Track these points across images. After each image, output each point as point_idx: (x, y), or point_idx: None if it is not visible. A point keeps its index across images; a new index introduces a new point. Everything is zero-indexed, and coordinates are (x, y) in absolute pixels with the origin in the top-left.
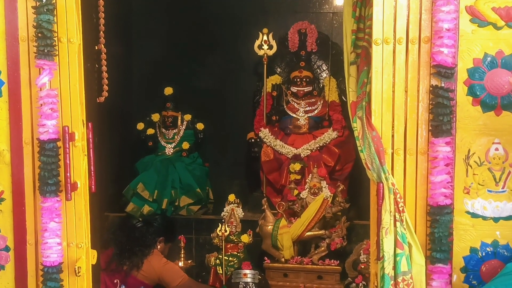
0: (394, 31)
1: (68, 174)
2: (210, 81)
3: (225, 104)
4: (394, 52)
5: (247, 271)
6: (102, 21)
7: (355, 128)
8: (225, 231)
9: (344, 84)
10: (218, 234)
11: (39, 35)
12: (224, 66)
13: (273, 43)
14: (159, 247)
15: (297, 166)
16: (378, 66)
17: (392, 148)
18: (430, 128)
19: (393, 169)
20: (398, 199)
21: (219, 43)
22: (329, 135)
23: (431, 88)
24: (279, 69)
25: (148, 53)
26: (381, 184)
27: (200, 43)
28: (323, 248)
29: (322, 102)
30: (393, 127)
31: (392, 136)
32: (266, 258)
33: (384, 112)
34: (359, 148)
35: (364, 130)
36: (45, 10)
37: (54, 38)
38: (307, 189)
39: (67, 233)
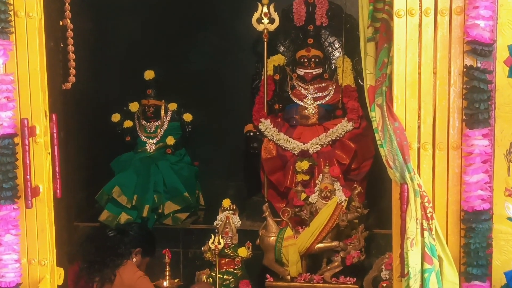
0: (420, 1)
1: (28, 176)
2: (199, 62)
3: (218, 91)
4: (420, 26)
5: None
6: None
7: (374, 118)
8: (219, 243)
9: (360, 65)
10: (210, 247)
11: None
12: (216, 44)
13: (275, 16)
14: (135, 259)
15: (304, 165)
16: (401, 43)
17: (418, 142)
18: (463, 117)
19: (420, 168)
20: (426, 204)
21: (210, 17)
22: (343, 126)
23: (464, 69)
24: (282, 48)
25: (125, 30)
26: (405, 186)
27: (187, 17)
28: (336, 263)
29: (334, 87)
30: (419, 116)
31: (418, 127)
32: (268, 275)
33: (408, 99)
34: (378, 143)
35: (385, 120)
36: None
37: (10, 12)
38: (317, 192)
39: (27, 248)
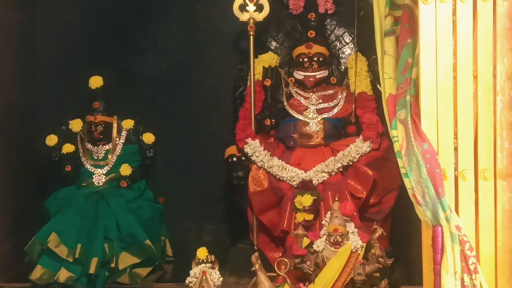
0: None
1: None
2: (162, 65)
3: (189, 102)
4: (454, 15)
5: None
6: None
7: (395, 139)
8: None
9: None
10: None
11: None
12: (185, 41)
13: (264, 0)
14: None
15: (307, 200)
16: (430, 37)
17: (456, 170)
18: None
19: (458, 204)
20: (468, 252)
21: (175, 4)
22: (358, 148)
23: None
24: (274, 43)
25: (62, 23)
26: (439, 229)
27: (144, 4)
28: None
29: (345, 95)
30: (456, 135)
31: (455, 149)
32: None
33: (441, 112)
34: (402, 171)
35: (410, 141)
36: None
37: None
38: (324, 237)
39: None
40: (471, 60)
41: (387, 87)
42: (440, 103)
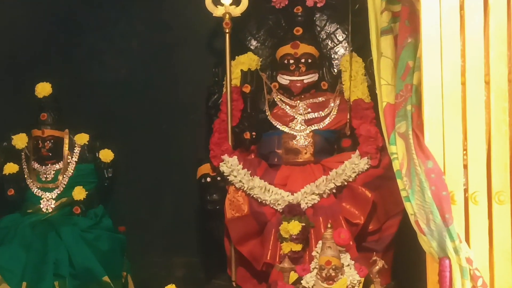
0: None
1: None
2: (124, 69)
3: (153, 113)
4: (462, 9)
5: None
6: None
7: (394, 156)
8: None
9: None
10: None
11: None
12: (150, 40)
13: None
14: None
15: (294, 227)
16: (434, 36)
17: (466, 192)
18: None
19: (469, 232)
20: None
21: None
22: (354, 165)
23: None
24: (254, 42)
25: (5, 21)
26: (447, 261)
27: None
28: None
29: (338, 102)
30: (465, 151)
31: (465, 167)
32: None
33: (447, 124)
34: (402, 194)
35: (411, 158)
36: None
37: None
38: (315, 271)
39: None
40: (482, 63)
41: (385, 95)
42: (447, 113)
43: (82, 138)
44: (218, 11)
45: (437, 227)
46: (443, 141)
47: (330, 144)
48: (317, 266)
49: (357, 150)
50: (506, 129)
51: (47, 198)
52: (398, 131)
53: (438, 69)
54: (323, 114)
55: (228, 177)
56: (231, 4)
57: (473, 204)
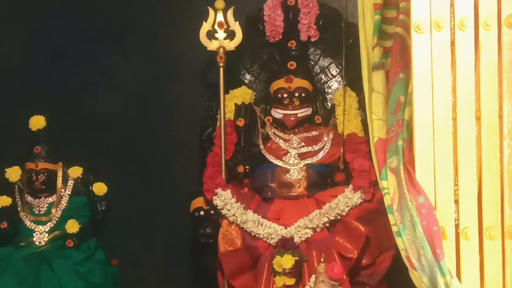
0: (452, 7)
1: None
2: (115, 102)
3: (146, 146)
4: (453, 45)
5: None
6: None
7: (386, 191)
8: None
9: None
10: None
11: None
12: (144, 73)
13: (236, 27)
14: None
15: (287, 261)
16: (425, 71)
17: (457, 227)
18: None
19: (460, 267)
20: None
21: (134, 32)
22: (348, 199)
23: None
24: (248, 76)
25: None
26: None
27: (98, 33)
28: None
29: (331, 136)
30: (456, 186)
31: (456, 203)
32: None
33: (438, 159)
34: (394, 229)
35: (402, 193)
36: None
37: None
38: None
39: None
40: (473, 98)
41: (376, 130)
42: (438, 148)
43: (76, 171)
44: (212, 45)
45: (428, 262)
46: (434, 177)
47: (323, 178)
48: None
49: (350, 184)
50: (497, 164)
51: (40, 231)
52: (389, 166)
53: (429, 104)
54: (316, 148)
55: (221, 211)
56: (225, 38)
57: (464, 239)
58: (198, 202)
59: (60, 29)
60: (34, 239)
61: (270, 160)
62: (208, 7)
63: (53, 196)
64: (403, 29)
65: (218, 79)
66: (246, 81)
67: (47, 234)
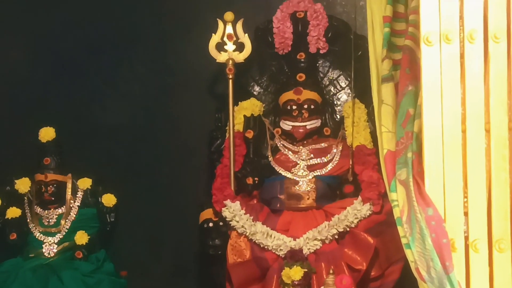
0: (461, 20)
1: None
2: (126, 113)
3: (157, 157)
4: (462, 58)
5: None
6: None
7: (395, 203)
8: None
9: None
10: None
11: None
12: (153, 84)
13: (245, 39)
14: None
15: (296, 273)
16: (434, 84)
17: (467, 240)
18: None
19: (469, 280)
20: None
21: (143, 43)
22: (357, 211)
23: None
24: (257, 88)
25: (7, 65)
26: None
27: (106, 44)
28: None
29: (340, 148)
30: (465, 199)
31: (465, 215)
32: None
33: (448, 171)
34: (403, 241)
35: (412, 205)
36: None
37: None
38: None
39: None
40: (483, 111)
41: (385, 142)
42: (447, 161)
43: (85, 183)
44: (221, 57)
45: (438, 274)
46: (444, 189)
47: (332, 190)
48: None
49: (359, 196)
50: (506, 176)
51: (49, 243)
52: (398, 178)
53: (438, 116)
54: (325, 160)
55: (230, 222)
56: (234, 50)
57: (474, 251)
58: (207, 213)
59: (68, 40)
60: (44, 250)
61: (279, 171)
62: (217, 19)
63: (62, 208)
64: (412, 41)
65: (227, 90)
66: (255, 93)
67: (56, 246)
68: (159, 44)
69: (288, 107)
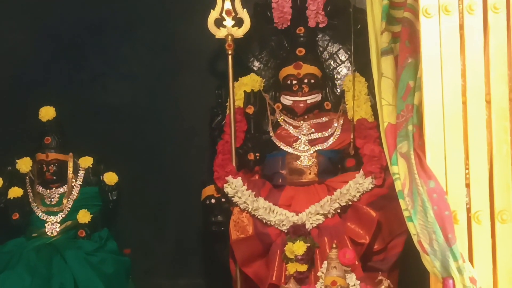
0: None
1: None
2: (127, 93)
3: (157, 135)
4: (461, 29)
5: None
6: None
7: (396, 176)
8: None
9: None
10: None
11: None
12: (152, 63)
13: (243, 14)
14: None
15: (299, 248)
16: (433, 56)
17: (469, 211)
18: None
19: (472, 251)
20: None
21: (142, 22)
22: (359, 185)
23: None
24: (257, 64)
25: (7, 45)
26: (450, 281)
27: (105, 24)
28: None
29: (341, 122)
30: (467, 170)
31: (467, 187)
32: None
33: (448, 144)
34: (405, 214)
35: (413, 178)
36: None
37: None
38: None
39: None
40: (483, 82)
41: (386, 116)
42: (448, 133)
43: (86, 162)
44: (220, 33)
45: (440, 247)
46: (445, 161)
47: (334, 164)
48: (322, 287)
49: (361, 170)
50: (507, 148)
51: (52, 222)
52: (399, 151)
53: (438, 89)
54: (326, 134)
55: (232, 199)
56: (233, 26)
57: (476, 223)
58: (209, 190)
59: (69, 21)
60: (46, 229)
61: (280, 147)
62: None
63: (64, 187)
64: (411, 13)
65: (226, 67)
66: (255, 68)
67: (59, 225)
68: (158, 23)
69: (288, 82)
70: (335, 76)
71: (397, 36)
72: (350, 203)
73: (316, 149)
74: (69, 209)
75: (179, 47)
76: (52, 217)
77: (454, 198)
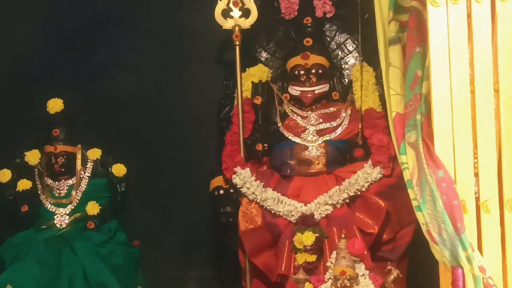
0: None
1: None
2: (134, 84)
3: (166, 127)
4: (469, 18)
5: None
6: None
7: (405, 165)
8: None
9: None
10: None
11: None
12: (160, 54)
13: (251, 4)
14: None
15: (308, 238)
16: (441, 45)
17: (477, 200)
18: None
19: (481, 240)
20: None
21: (149, 14)
22: (367, 174)
23: None
24: (264, 54)
25: (15, 38)
26: (460, 271)
27: (112, 16)
28: None
29: (349, 112)
30: (476, 160)
31: (476, 176)
32: None
33: (457, 133)
34: (414, 203)
35: (422, 168)
36: None
37: None
38: (330, 281)
39: None
40: (491, 71)
41: (394, 105)
42: (456, 122)
43: (95, 153)
44: (227, 24)
45: (449, 236)
46: (454, 150)
47: (342, 154)
48: (331, 277)
49: (369, 160)
50: None
51: (61, 214)
52: (408, 140)
53: (446, 78)
54: (334, 124)
55: (241, 189)
56: (240, 17)
57: (485, 212)
58: (218, 181)
59: (75, 12)
60: (55, 221)
61: (289, 137)
62: None
63: (72, 179)
64: (418, 2)
65: (234, 58)
66: (262, 59)
67: (68, 217)
68: (165, 15)
69: (296, 72)
70: (343, 66)
71: (405, 25)
72: (359, 193)
73: (324, 139)
74: (78, 201)
75: (186, 38)
76: (61, 209)
77: (463, 187)
